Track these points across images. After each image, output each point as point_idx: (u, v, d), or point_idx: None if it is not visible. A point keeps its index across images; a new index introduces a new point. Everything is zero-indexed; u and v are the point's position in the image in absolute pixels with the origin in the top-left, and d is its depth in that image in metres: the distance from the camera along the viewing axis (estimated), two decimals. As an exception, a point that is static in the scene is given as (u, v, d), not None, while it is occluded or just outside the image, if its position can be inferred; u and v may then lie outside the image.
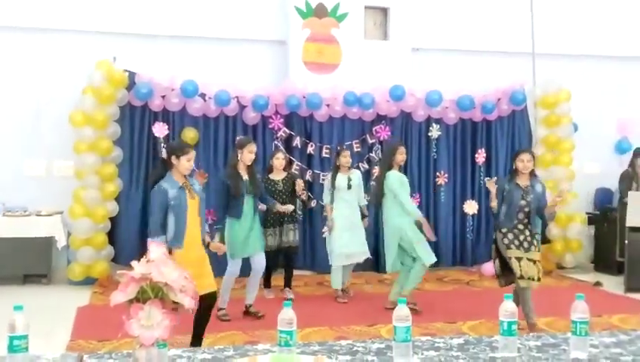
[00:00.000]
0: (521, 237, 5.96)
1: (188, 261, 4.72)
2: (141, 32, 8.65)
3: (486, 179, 8.57)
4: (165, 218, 4.92)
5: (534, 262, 5.94)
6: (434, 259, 6.91)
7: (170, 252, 4.78)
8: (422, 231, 6.87)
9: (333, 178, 7.47)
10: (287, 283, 7.59)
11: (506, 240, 5.96)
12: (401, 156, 6.89)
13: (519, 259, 5.89)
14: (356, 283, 8.14)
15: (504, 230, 5.99)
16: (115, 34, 8.57)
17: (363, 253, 7.55)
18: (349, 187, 7.41)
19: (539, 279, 5.95)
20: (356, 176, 7.62)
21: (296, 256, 7.97)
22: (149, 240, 4.84)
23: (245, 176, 6.40)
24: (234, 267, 6.42)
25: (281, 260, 7.76)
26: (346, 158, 7.47)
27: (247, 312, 6.58)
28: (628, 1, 10.13)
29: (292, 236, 7.52)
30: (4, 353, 2.37)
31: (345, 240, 7.35)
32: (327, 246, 7.66)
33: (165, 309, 2.17)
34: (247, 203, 6.39)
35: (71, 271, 8.09)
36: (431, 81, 9.13)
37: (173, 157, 5.01)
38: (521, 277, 5.85)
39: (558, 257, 9.39)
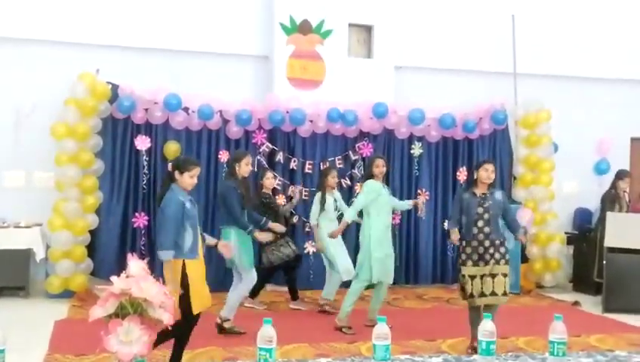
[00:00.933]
0: (481, 250, 5.83)
1: (201, 272, 4.95)
2: (125, 44, 8.64)
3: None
4: (179, 230, 4.84)
5: (504, 275, 5.80)
6: (347, 276, 7.13)
7: (182, 264, 4.83)
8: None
9: (323, 199, 7.55)
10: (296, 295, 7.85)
11: (463, 256, 5.88)
12: (377, 169, 6.73)
13: (472, 278, 5.79)
14: (337, 299, 8.11)
15: (463, 243, 5.92)
16: (99, 46, 8.56)
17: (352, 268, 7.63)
18: (336, 208, 7.63)
19: (504, 293, 5.82)
20: (338, 195, 7.83)
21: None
22: (160, 253, 4.81)
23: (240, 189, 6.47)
24: (253, 276, 6.51)
25: (281, 273, 8.05)
26: (334, 179, 7.68)
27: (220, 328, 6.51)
28: (609, 24, 10.30)
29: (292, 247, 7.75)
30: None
31: (342, 256, 7.59)
32: (331, 263, 7.64)
33: (144, 325, 2.16)
34: (245, 215, 6.53)
35: (49, 284, 8.00)
36: (414, 99, 9.20)
37: (176, 172, 4.97)
38: (472, 296, 5.78)
39: (537, 276, 9.45)
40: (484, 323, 2.57)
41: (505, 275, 5.84)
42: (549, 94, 9.72)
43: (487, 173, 5.92)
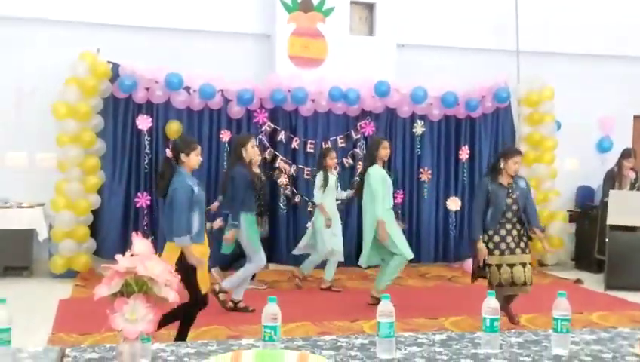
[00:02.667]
0: (509, 239, 5.82)
1: (203, 255, 4.98)
2: (126, 23, 8.59)
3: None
4: (188, 214, 4.85)
5: (524, 265, 5.83)
6: (412, 255, 6.94)
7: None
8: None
9: (325, 178, 7.62)
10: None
11: (490, 245, 5.82)
12: (384, 151, 6.87)
13: (499, 267, 5.79)
14: (339, 278, 8.15)
15: (490, 232, 5.84)
16: (100, 25, 8.50)
17: (340, 252, 7.83)
18: (337, 187, 7.74)
19: (530, 283, 5.84)
20: (336, 175, 7.97)
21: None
22: (177, 240, 4.80)
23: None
24: (262, 258, 6.61)
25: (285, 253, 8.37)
26: (333, 160, 7.77)
27: (235, 308, 6.56)
28: (612, 1, 10.20)
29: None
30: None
31: (327, 237, 7.68)
32: (326, 243, 7.68)
33: (149, 303, 2.17)
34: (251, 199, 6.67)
35: (52, 263, 8.03)
36: (416, 78, 9.14)
37: (182, 155, 4.94)
38: (500, 285, 5.75)
39: (539, 254, 9.45)
40: (487, 300, 2.57)
41: (531, 265, 5.89)
42: (552, 72, 9.67)
43: (516, 166, 5.85)
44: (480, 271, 5.98)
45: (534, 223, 6.05)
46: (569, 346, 2.53)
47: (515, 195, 5.85)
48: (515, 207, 5.85)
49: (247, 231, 6.47)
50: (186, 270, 4.72)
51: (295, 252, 8.12)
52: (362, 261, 7.01)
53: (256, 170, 7.44)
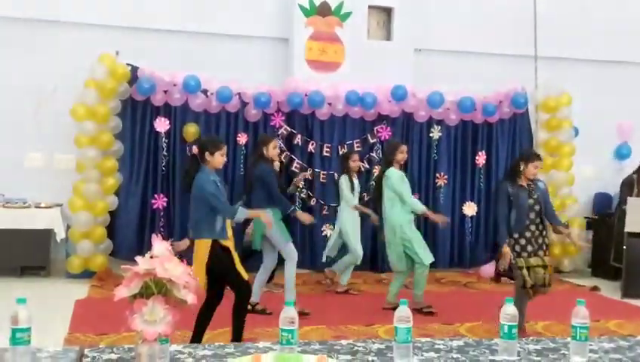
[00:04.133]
0: (534, 241, 5.79)
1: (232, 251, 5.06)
2: (144, 26, 8.65)
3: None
4: (212, 211, 4.95)
5: (545, 267, 5.80)
6: (432, 258, 6.91)
7: (212, 242, 4.96)
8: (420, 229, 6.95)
9: (351, 181, 7.65)
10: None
11: (517, 248, 5.78)
12: (401, 155, 6.87)
13: (530, 269, 5.75)
14: (355, 282, 8.15)
15: (515, 235, 5.81)
16: (119, 27, 8.57)
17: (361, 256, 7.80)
18: (358, 191, 7.76)
19: (549, 284, 5.82)
20: (356, 177, 7.89)
21: None
22: (236, 218, 5.18)
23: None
24: (294, 251, 6.62)
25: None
26: (355, 163, 7.75)
27: (253, 310, 6.57)
28: (630, 7, 10.13)
29: None
30: (4, 344, 2.37)
31: (357, 241, 7.74)
32: (357, 246, 7.71)
33: (168, 305, 2.18)
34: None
35: (69, 264, 8.09)
36: (433, 82, 9.13)
37: (207, 154, 5.04)
38: (532, 287, 5.73)
39: (555, 261, 9.38)
40: (505, 307, 2.56)
41: (547, 267, 5.83)
42: (570, 78, 9.61)
43: (536, 170, 5.86)
44: (504, 272, 5.97)
45: (557, 222, 6.08)
46: (587, 354, 2.52)
47: (536, 195, 5.84)
48: (537, 208, 5.83)
49: (275, 226, 6.44)
50: (222, 262, 4.86)
51: (328, 254, 7.98)
52: (393, 266, 6.98)
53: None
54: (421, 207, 6.91)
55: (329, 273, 7.92)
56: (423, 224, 9.23)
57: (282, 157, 8.66)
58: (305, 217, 6.70)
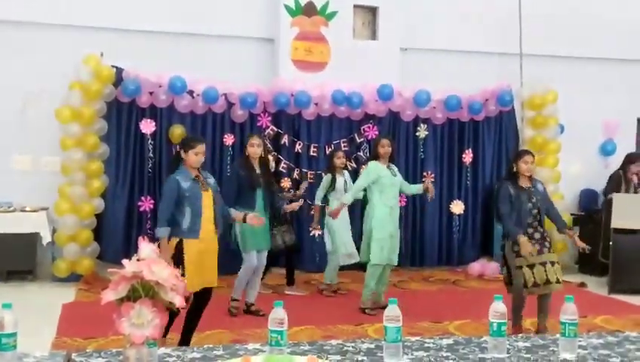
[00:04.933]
0: (532, 242, 5.76)
1: (198, 251, 4.97)
2: (129, 27, 8.59)
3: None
4: (178, 209, 4.99)
5: (552, 263, 5.77)
6: (376, 261, 6.68)
7: (177, 242, 4.97)
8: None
9: (333, 179, 7.57)
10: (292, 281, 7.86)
11: (516, 248, 5.76)
12: (382, 149, 6.76)
13: (531, 267, 5.75)
14: (343, 281, 8.14)
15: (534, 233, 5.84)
16: (103, 29, 8.50)
17: (356, 253, 7.64)
18: (346, 188, 7.54)
19: (559, 281, 5.76)
20: (347, 176, 7.83)
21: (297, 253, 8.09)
22: (155, 230, 5.07)
23: (258, 170, 6.47)
24: (251, 260, 6.43)
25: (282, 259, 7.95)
26: (340, 159, 7.65)
27: (248, 311, 6.55)
28: (616, 4, 10.18)
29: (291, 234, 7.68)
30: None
31: (346, 239, 7.61)
32: (327, 245, 7.69)
33: (156, 308, 2.16)
34: (260, 196, 6.42)
35: (56, 267, 8.03)
36: (419, 81, 9.14)
37: (182, 151, 5.11)
38: (535, 285, 5.73)
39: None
40: (494, 305, 2.56)
41: (554, 263, 5.78)
42: (555, 75, 9.65)
43: (527, 165, 5.84)
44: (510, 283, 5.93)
45: (561, 225, 6.10)
46: (577, 351, 2.52)
47: (535, 198, 5.84)
48: (535, 211, 5.83)
49: (242, 229, 6.37)
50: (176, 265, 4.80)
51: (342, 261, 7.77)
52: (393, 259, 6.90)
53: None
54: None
55: (327, 287, 7.74)
56: (411, 221, 9.30)
57: (271, 155, 8.63)
58: (254, 221, 6.33)
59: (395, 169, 6.99)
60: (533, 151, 9.31)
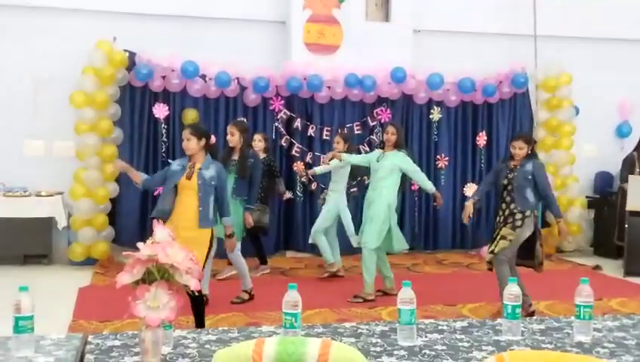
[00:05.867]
0: (500, 213, 5.95)
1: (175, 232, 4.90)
2: (141, 11, 8.57)
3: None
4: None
5: (503, 238, 5.78)
6: (374, 245, 6.59)
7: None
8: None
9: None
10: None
11: (497, 220, 6.05)
12: (385, 135, 6.74)
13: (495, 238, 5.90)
14: (357, 265, 8.13)
15: (497, 209, 6.14)
16: (115, 13, 8.50)
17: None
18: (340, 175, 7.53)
19: (492, 252, 5.81)
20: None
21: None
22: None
23: (235, 156, 6.51)
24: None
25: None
26: (338, 145, 7.49)
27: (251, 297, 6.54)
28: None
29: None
30: (7, 333, 2.37)
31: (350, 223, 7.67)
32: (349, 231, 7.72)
33: (171, 290, 2.18)
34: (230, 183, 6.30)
35: (71, 251, 8.10)
36: (432, 64, 9.07)
37: None
38: (492, 253, 5.84)
39: (557, 241, 9.40)
40: (509, 287, 2.56)
41: (504, 237, 5.78)
42: (570, 56, 9.55)
43: (514, 150, 5.95)
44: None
45: (553, 210, 6.11)
46: (592, 333, 2.52)
47: (511, 176, 5.89)
48: (509, 187, 5.89)
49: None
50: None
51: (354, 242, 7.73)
52: (402, 246, 6.89)
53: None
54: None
55: (328, 267, 7.72)
56: (425, 205, 9.28)
57: (283, 141, 8.68)
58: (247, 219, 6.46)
59: (392, 156, 6.64)
60: (546, 133, 9.37)
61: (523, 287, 5.15)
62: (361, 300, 6.53)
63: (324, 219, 7.58)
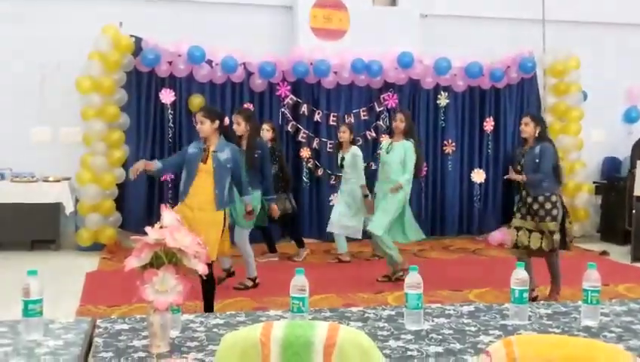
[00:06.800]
0: (521, 204, 5.84)
1: (185, 218, 4.73)
2: (147, -4, 8.56)
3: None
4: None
5: (529, 231, 5.73)
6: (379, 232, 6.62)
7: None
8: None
9: (335, 155, 7.65)
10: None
11: (515, 207, 5.93)
12: (394, 123, 6.76)
13: (518, 229, 5.80)
14: (365, 251, 8.16)
15: (516, 197, 5.99)
16: (121, -1, 8.49)
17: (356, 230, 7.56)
18: (342, 166, 7.43)
19: (538, 249, 5.74)
20: (353, 151, 7.37)
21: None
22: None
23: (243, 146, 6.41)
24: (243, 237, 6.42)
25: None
26: (343, 134, 7.42)
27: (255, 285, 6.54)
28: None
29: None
30: (16, 317, 2.39)
31: (337, 211, 7.59)
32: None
33: (179, 274, 2.18)
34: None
35: (79, 236, 8.13)
36: (439, 48, 9.03)
37: None
38: (515, 246, 5.80)
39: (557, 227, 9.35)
40: (516, 272, 2.55)
41: (543, 232, 5.70)
42: (578, 41, 9.48)
43: (521, 127, 5.89)
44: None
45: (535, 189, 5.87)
46: (599, 318, 2.52)
47: (522, 161, 5.81)
48: (523, 173, 5.80)
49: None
50: None
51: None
52: (418, 236, 6.97)
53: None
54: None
55: (335, 255, 7.80)
56: (431, 190, 9.27)
57: (289, 127, 8.68)
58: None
59: (399, 147, 6.60)
60: (554, 118, 9.32)
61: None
62: (401, 273, 6.57)
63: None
